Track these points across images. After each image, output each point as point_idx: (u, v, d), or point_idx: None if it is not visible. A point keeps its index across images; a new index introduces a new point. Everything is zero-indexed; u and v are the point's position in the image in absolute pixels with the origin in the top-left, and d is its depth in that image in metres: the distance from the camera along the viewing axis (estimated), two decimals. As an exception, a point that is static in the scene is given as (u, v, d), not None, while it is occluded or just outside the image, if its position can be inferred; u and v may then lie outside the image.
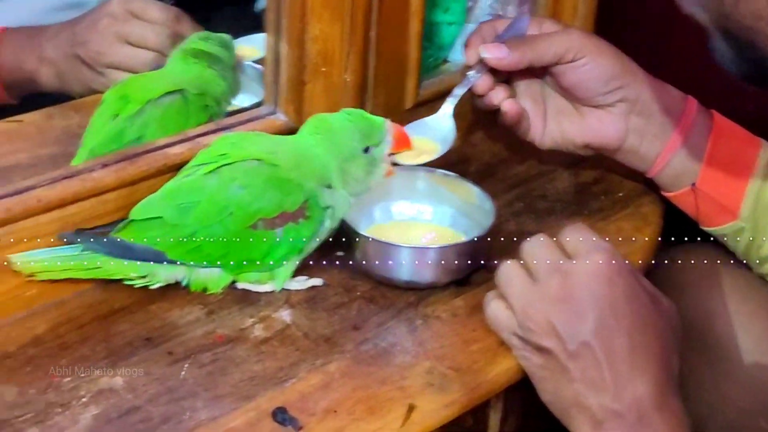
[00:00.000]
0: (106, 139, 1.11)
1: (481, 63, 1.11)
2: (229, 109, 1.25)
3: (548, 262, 0.95)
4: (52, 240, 0.99)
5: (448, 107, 1.12)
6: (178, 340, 0.98)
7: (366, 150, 1.03)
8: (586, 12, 1.34)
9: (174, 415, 0.90)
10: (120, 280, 1.02)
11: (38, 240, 0.99)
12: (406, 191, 1.14)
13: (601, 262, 0.93)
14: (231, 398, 0.92)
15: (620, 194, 1.23)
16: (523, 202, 1.22)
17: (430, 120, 1.12)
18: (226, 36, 1.21)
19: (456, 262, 1.06)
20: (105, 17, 1.31)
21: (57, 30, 1.35)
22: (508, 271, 0.97)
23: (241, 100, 1.29)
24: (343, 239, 1.08)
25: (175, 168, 1.04)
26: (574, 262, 0.94)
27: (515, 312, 0.95)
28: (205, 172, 1.01)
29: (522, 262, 0.97)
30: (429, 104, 1.17)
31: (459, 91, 1.12)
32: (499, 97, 1.13)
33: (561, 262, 0.94)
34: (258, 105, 1.16)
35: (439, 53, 1.30)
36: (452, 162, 1.22)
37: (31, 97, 1.38)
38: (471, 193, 1.12)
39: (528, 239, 0.99)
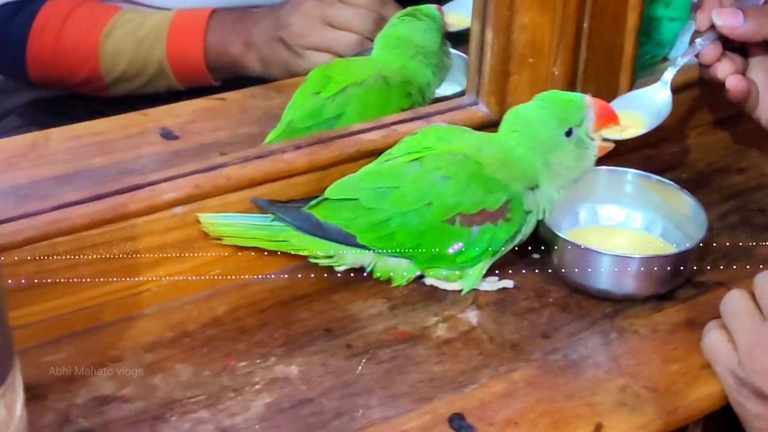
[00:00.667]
0: (306, 114, 1.10)
1: (713, 29, 1.03)
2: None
3: None
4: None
5: (667, 75, 1.04)
6: (357, 333, 0.95)
7: (569, 133, 0.96)
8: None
9: (347, 411, 0.86)
10: (305, 258, 0.99)
11: (226, 218, 0.97)
12: (615, 194, 1.07)
13: None
14: (407, 399, 0.88)
15: None
16: (739, 216, 1.13)
17: (644, 92, 1.05)
18: (431, 11, 1.16)
19: (660, 274, 0.98)
20: (310, 0, 1.29)
21: (262, 15, 1.36)
22: (736, 301, 0.89)
23: (444, 89, 1.25)
24: (541, 241, 1.02)
25: (369, 154, 1.00)
26: None
27: (739, 349, 0.86)
28: (407, 159, 0.96)
29: (753, 294, 0.89)
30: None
31: (682, 59, 1.04)
32: (725, 70, 1.04)
33: None
34: (460, 95, 1.11)
35: (658, 50, 1.22)
36: (664, 167, 1.15)
37: (232, 80, 1.38)
38: (683, 203, 1.04)
39: (764, 272, 0.90)
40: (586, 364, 0.92)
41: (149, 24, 1.39)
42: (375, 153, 1.00)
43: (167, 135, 1.17)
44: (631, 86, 1.13)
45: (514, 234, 0.97)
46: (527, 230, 0.98)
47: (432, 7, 1.16)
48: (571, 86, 1.09)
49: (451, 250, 0.96)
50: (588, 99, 0.97)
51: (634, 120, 1.02)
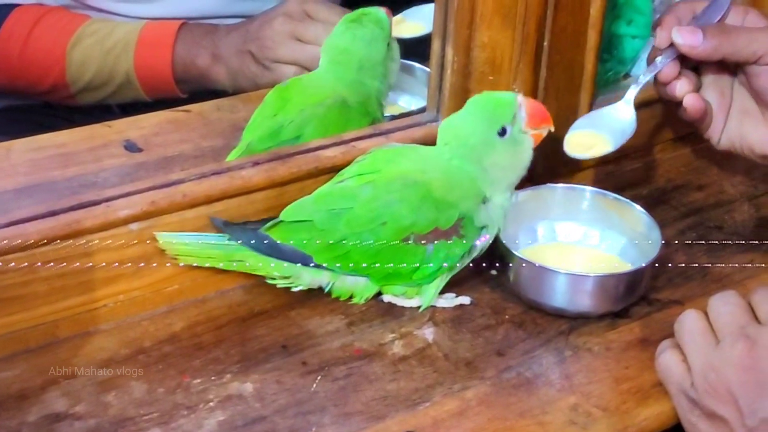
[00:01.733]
0: (264, 135, 1.10)
1: (672, 47, 1.03)
2: (398, 112, 1.21)
3: (736, 323, 0.87)
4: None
5: (629, 94, 1.04)
6: (313, 350, 0.95)
7: (503, 132, 0.96)
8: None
9: (300, 429, 0.87)
10: (262, 278, 0.99)
11: (183, 235, 0.97)
12: (573, 212, 1.08)
13: None
14: (360, 417, 0.88)
15: (805, 231, 1.14)
16: (696, 233, 1.13)
17: (607, 111, 1.05)
18: (378, 16, 1.14)
19: (614, 292, 0.99)
20: (281, 16, 1.31)
21: (232, 28, 1.37)
22: (691, 323, 0.89)
23: (409, 103, 1.25)
24: (498, 258, 1.02)
25: (327, 171, 1.01)
26: (765, 329, 0.86)
27: (693, 370, 0.87)
28: (359, 183, 0.97)
29: (708, 315, 0.90)
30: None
31: (644, 78, 1.04)
32: (683, 89, 1.03)
33: (750, 326, 0.86)
34: (422, 110, 1.12)
35: (620, 67, 1.23)
36: (624, 184, 1.16)
37: (200, 92, 1.38)
38: (639, 220, 1.05)
39: (718, 294, 0.91)
40: (539, 382, 0.93)
41: (117, 34, 1.40)
42: (334, 170, 1.01)
43: (131, 147, 1.18)
44: (592, 103, 1.14)
45: (469, 249, 0.98)
46: (483, 245, 0.99)
47: (380, 11, 1.15)
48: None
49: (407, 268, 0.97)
50: (520, 97, 0.97)
51: (599, 140, 1.03)
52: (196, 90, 1.40)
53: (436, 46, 1.06)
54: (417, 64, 1.22)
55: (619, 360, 0.96)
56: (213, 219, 0.97)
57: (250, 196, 0.99)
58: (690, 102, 1.03)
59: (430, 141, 1.04)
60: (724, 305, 0.89)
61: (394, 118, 1.16)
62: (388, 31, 1.15)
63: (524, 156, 0.98)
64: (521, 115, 0.97)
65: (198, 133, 1.21)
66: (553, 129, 0.99)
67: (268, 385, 0.91)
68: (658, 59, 1.04)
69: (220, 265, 0.97)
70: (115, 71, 1.40)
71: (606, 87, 1.19)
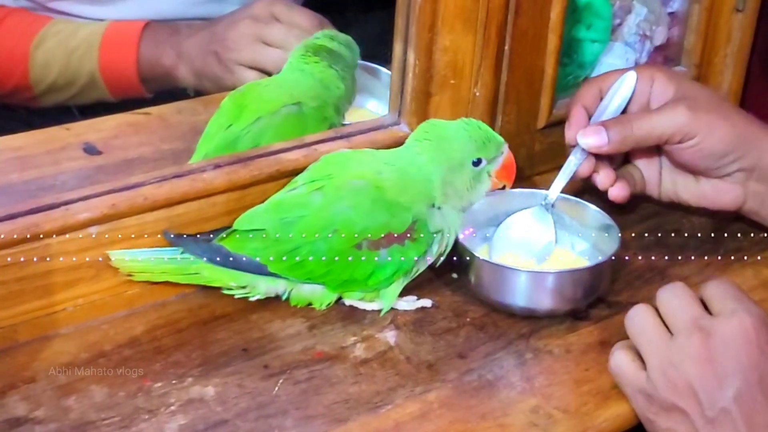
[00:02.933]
0: (220, 146, 1.09)
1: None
2: (367, 117, 1.21)
3: (689, 316, 0.87)
4: (159, 236, 0.97)
5: (550, 196, 1.06)
6: (275, 354, 0.95)
7: (477, 163, 0.99)
8: (741, 38, 1.26)
9: (261, 432, 0.87)
10: (219, 289, 0.99)
11: (145, 236, 0.97)
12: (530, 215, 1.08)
13: (750, 326, 0.85)
14: (322, 420, 0.88)
15: (763, 234, 1.15)
16: (654, 236, 1.14)
17: (525, 224, 1.06)
18: (349, 38, 1.18)
19: (576, 289, 1.00)
20: (247, 18, 1.31)
21: (197, 28, 1.36)
22: (641, 318, 0.90)
23: (375, 108, 1.25)
24: (459, 260, 1.02)
25: (288, 174, 1.01)
26: (718, 321, 0.86)
27: (649, 368, 0.87)
28: (310, 189, 0.97)
29: (658, 310, 0.90)
30: (563, 125, 1.10)
31: (561, 181, 1.06)
32: (604, 183, 1.07)
33: (703, 318, 0.87)
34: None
35: (579, 71, 1.23)
36: (582, 189, 1.16)
37: (165, 92, 1.38)
38: (596, 219, 1.06)
39: (666, 286, 0.91)
40: (500, 384, 0.93)
41: (81, 34, 1.39)
42: (295, 172, 1.01)
43: (90, 150, 1.17)
44: (552, 107, 1.15)
45: (423, 253, 0.98)
46: (440, 249, 0.99)
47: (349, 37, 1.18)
48: (492, 107, 1.10)
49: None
50: (505, 147, 1.01)
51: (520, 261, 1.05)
52: (161, 90, 1.39)
53: (397, 49, 1.06)
54: (384, 69, 1.22)
55: (579, 362, 0.96)
56: (165, 233, 0.97)
57: (211, 199, 0.99)
58: (614, 194, 1.08)
59: (393, 144, 1.05)
60: (674, 298, 0.89)
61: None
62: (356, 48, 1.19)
63: (478, 193, 1.02)
64: (497, 161, 1.01)
65: (158, 136, 1.21)
66: (509, 187, 1.03)
67: (229, 389, 0.90)
68: (571, 159, 1.06)
69: (176, 280, 0.97)
70: (79, 71, 1.39)
71: (566, 91, 1.19)
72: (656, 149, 1.09)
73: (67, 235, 0.93)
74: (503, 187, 1.03)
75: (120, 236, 0.95)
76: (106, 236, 0.95)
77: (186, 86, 1.36)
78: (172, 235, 0.96)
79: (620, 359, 0.90)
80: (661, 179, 1.11)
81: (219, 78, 1.31)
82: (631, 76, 1.07)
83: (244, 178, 1.00)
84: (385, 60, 1.21)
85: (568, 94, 1.19)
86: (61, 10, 1.43)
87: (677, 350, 0.86)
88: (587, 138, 1.04)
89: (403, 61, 1.05)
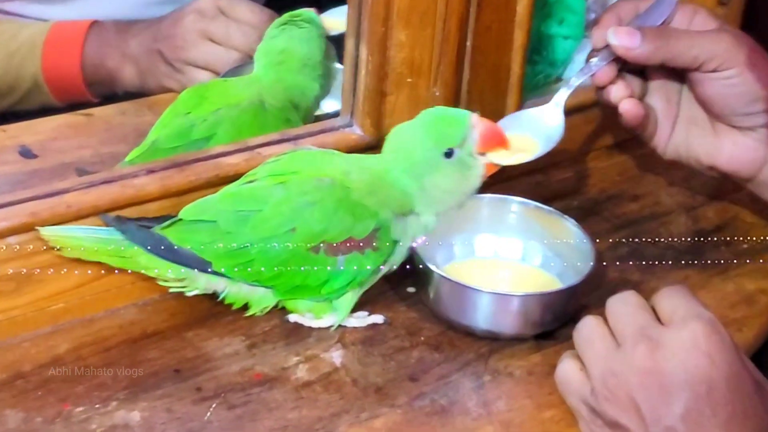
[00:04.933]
0: (172, 133, 1.03)
1: (608, 48, 0.96)
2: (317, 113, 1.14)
3: (637, 325, 0.80)
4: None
5: (559, 97, 0.97)
6: (209, 375, 0.87)
7: (449, 154, 0.88)
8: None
9: (188, 463, 0.79)
10: (158, 290, 0.92)
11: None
12: (494, 223, 1.01)
13: (700, 334, 0.77)
14: (256, 450, 0.80)
15: (744, 246, 1.07)
16: (630, 247, 1.06)
17: (535, 112, 0.97)
18: (310, 16, 1.11)
19: (544, 314, 0.92)
20: (192, 13, 1.24)
21: (143, 26, 1.29)
22: (589, 329, 0.83)
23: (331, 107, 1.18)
24: (416, 274, 0.95)
25: (228, 180, 0.93)
26: (667, 330, 0.79)
27: (591, 377, 0.80)
28: (272, 183, 0.89)
29: (607, 320, 0.83)
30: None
31: (576, 80, 0.97)
32: (619, 94, 0.97)
33: (652, 327, 0.80)
34: (335, 115, 1.04)
35: (551, 70, 1.16)
36: (553, 194, 1.09)
37: (114, 98, 1.30)
38: (568, 232, 0.98)
39: (616, 295, 0.84)
40: (454, 410, 0.85)
41: (23, 36, 1.31)
42: (236, 178, 0.92)
43: (26, 153, 1.10)
44: (520, 108, 1.07)
45: (382, 263, 0.90)
46: (396, 260, 0.92)
47: (310, 11, 1.11)
48: (453, 107, 1.02)
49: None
50: (474, 118, 0.89)
51: (524, 143, 0.95)
52: (108, 94, 1.32)
53: (349, 45, 0.98)
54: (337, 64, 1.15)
55: (542, 385, 0.88)
56: (103, 216, 0.89)
57: (144, 207, 0.91)
58: (626, 108, 0.97)
59: (344, 148, 0.97)
60: (623, 306, 0.82)
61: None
62: (322, 29, 1.11)
63: (470, 182, 0.90)
64: (473, 138, 0.89)
65: (98, 139, 1.14)
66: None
67: (157, 414, 0.83)
68: (593, 60, 0.97)
69: (108, 261, 0.89)
70: (21, 75, 1.31)
71: (536, 91, 1.12)
72: (677, 92, 1.00)
73: (-18, 246, 0.85)
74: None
75: (42, 246, 0.87)
76: (30, 247, 0.87)
77: (132, 89, 1.28)
78: (111, 217, 0.89)
79: (566, 367, 0.83)
80: (674, 126, 1.00)
81: (165, 78, 1.24)
82: (671, 1, 0.97)
83: (179, 184, 0.92)
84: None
85: (537, 94, 1.11)
86: (6, 10, 1.36)
87: (621, 359, 0.79)
88: (619, 36, 0.94)
89: (355, 58, 0.98)
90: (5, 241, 0.86)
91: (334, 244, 0.88)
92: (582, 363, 0.82)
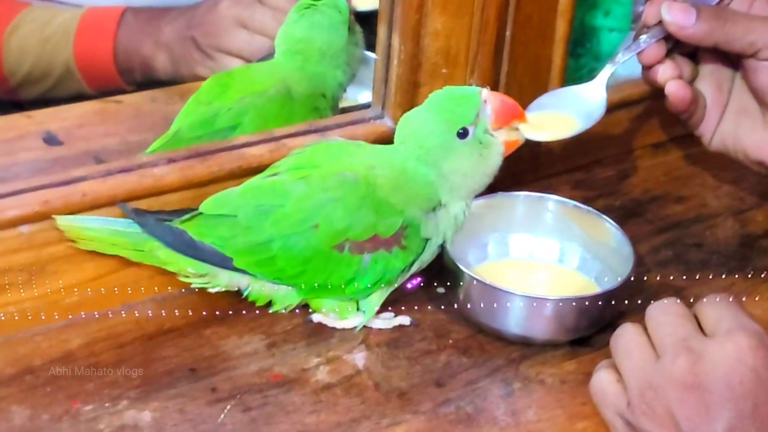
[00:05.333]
0: (196, 122, 1.00)
1: (660, 26, 0.90)
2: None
3: (678, 335, 0.75)
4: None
5: (603, 75, 0.91)
6: (226, 375, 0.83)
7: (463, 134, 0.84)
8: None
9: (198, 468, 0.75)
10: (177, 285, 0.88)
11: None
12: (529, 223, 0.97)
13: (745, 347, 0.73)
14: (270, 455, 0.77)
15: (796, 252, 1.02)
16: (673, 251, 1.01)
17: (576, 89, 0.92)
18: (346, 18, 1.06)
19: (579, 319, 0.87)
20: (226, 0, 1.19)
21: (177, 13, 1.27)
22: (627, 337, 0.78)
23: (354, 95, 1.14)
24: (446, 274, 0.90)
25: (252, 171, 0.89)
26: (711, 342, 0.74)
27: (628, 389, 0.76)
28: (294, 177, 0.85)
29: (646, 328, 0.78)
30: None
31: (623, 56, 0.91)
32: (665, 74, 0.90)
33: (694, 339, 0.75)
34: (366, 106, 1.00)
35: (595, 63, 1.12)
36: (595, 194, 1.04)
37: (148, 86, 1.27)
38: (607, 233, 0.93)
39: (657, 302, 0.79)
40: (481, 418, 0.81)
41: (57, 22, 1.29)
42: (260, 169, 0.89)
43: (50, 140, 1.07)
44: (560, 103, 1.03)
45: (411, 263, 0.86)
46: (426, 258, 0.87)
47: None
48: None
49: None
50: (485, 93, 0.84)
51: (562, 121, 0.90)
52: (142, 81, 1.29)
53: (381, 33, 0.94)
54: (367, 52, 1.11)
55: (575, 395, 0.84)
56: (122, 205, 0.85)
57: (162, 198, 0.87)
58: (672, 89, 0.90)
59: (374, 140, 0.93)
60: (665, 315, 0.78)
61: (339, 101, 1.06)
62: (347, 15, 1.06)
63: (490, 162, 0.85)
64: (486, 114, 0.84)
65: (126, 126, 1.10)
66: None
67: (168, 415, 0.79)
68: (642, 38, 0.90)
69: (126, 255, 0.86)
70: (54, 62, 1.29)
71: (579, 84, 1.07)
72: (729, 80, 0.94)
73: (-7, 234, 0.82)
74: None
75: (56, 237, 0.84)
76: (41, 236, 0.84)
77: (164, 76, 1.25)
78: (131, 209, 0.85)
79: (602, 378, 0.78)
80: (723, 115, 0.94)
81: (198, 65, 1.21)
82: None
83: (200, 174, 0.88)
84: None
85: (581, 89, 1.07)
86: None
87: (660, 372, 0.74)
88: (673, 12, 0.88)
89: (387, 46, 0.93)
90: (17, 230, 0.83)
91: (359, 242, 0.84)
92: (619, 374, 0.78)
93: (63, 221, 0.84)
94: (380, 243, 0.84)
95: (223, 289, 0.88)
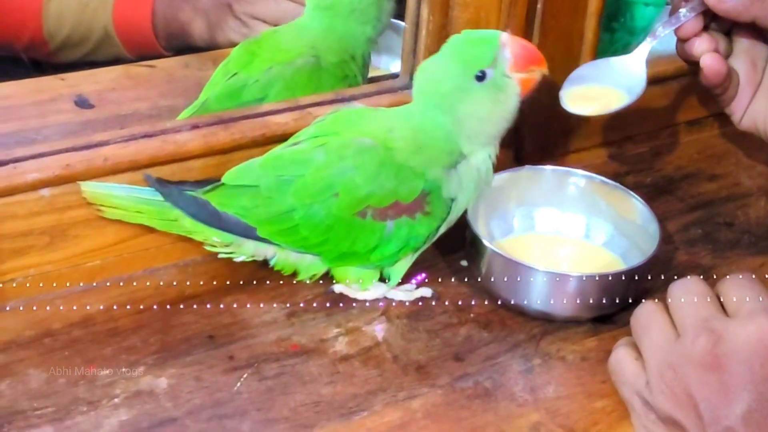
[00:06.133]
0: (223, 94, 0.99)
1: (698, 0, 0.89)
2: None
3: (699, 315, 0.74)
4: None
5: (643, 49, 0.90)
6: (244, 343, 0.83)
7: (481, 77, 0.82)
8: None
9: (212, 435, 0.75)
10: (200, 250, 0.88)
11: (108, 204, 0.86)
12: (556, 197, 0.95)
13: (767, 329, 0.71)
14: (284, 425, 0.76)
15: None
16: (702, 230, 1.00)
17: (615, 61, 0.90)
18: None
19: (602, 296, 0.86)
20: None
21: None
22: (647, 316, 0.77)
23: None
24: (469, 247, 0.89)
25: (276, 140, 0.88)
26: (732, 323, 0.73)
27: (647, 368, 0.75)
28: (313, 146, 0.85)
29: (667, 307, 0.77)
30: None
31: (662, 30, 0.89)
32: (701, 47, 0.89)
33: (715, 319, 0.74)
34: (395, 75, 0.99)
35: (630, 38, 1.10)
36: (626, 170, 1.03)
37: (186, 51, 1.27)
38: (634, 210, 0.92)
39: (679, 281, 0.78)
40: (499, 394, 0.80)
41: None
42: (284, 138, 0.88)
43: (82, 103, 1.07)
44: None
45: (436, 228, 0.85)
46: (452, 218, 0.86)
47: None
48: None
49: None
50: (504, 36, 0.82)
51: (607, 94, 0.88)
52: (180, 47, 1.29)
53: (411, 3, 0.93)
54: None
55: (595, 372, 0.83)
56: (147, 176, 0.85)
57: (186, 164, 0.87)
58: (708, 62, 0.89)
59: (401, 111, 0.92)
60: (686, 293, 0.76)
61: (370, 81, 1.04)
62: None
63: (507, 105, 0.83)
64: (505, 57, 0.82)
65: (158, 91, 1.10)
66: (546, 72, 0.84)
67: (184, 382, 0.79)
68: (682, 11, 0.89)
69: (151, 224, 0.86)
70: (93, 26, 1.29)
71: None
72: (764, 59, 0.92)
73: (14, 197, 0.82)
74: (542, 78, 0.84)
75: (77, 201, 0.84)
76: (62, 200, 0.84)
77: (201, 42, 1.25)
78: (154, 179, 0.85)
79: (621, 356, 0.78)
80: (755, 95, 0.92)
81: (233, 32, 1.20)
82: None
83: (223, 141, 0.88)
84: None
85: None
86: None
87: (680, 352, 0.73)
88: None
89: (416, 16, 0.92)
90: (38, 193, 0.82)
91: (381, 209, 0.83)
92: (638, 352, 0.77)
93: (88, 187, 0.84)
94: (402, 209, 0.83)
95: (249, 259, 0.88)
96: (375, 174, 0.83)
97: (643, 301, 0.79)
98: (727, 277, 0.78)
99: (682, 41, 0.90)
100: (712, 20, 0.90)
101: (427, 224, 0.84)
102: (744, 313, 0.73)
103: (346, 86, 1.00)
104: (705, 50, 0.89)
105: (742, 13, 0.87)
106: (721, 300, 0.76)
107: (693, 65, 0.90)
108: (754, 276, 0.78)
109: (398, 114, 0.86)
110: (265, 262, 0.88)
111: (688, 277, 0.79)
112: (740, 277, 0.77)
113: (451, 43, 0.84)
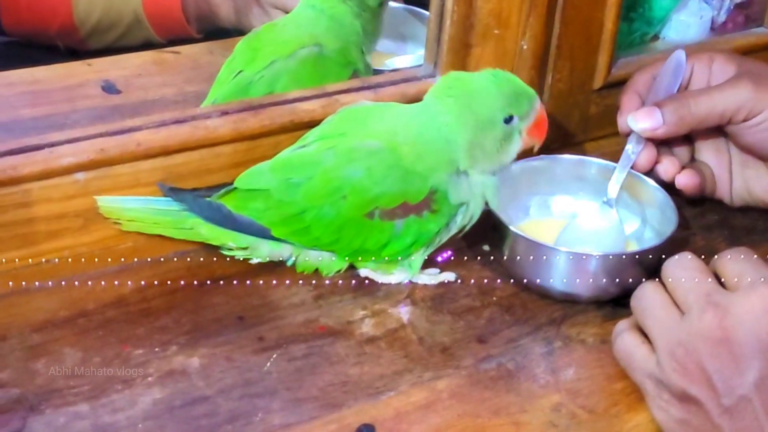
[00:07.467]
0: (230, 92, 1.01)
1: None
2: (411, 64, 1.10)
3: (701, 291, 0.76)
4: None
5: (610, 194, 0.94)
6: (273, 324, 0.85)
7: (508, 121, 0.86)
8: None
9: (244, 413, 0.77)
10: (217, 248, 0.90)
11: (139, 187, 0.88)
12: (570, 185, 0.97)
13: None
14: (313, 404, 0.78)
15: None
16: (718, 215, 1.02)
17: (585, 223, 0.94)
18: None
19: (622, 276, 0.88)
20: None
21: None
22: (649, 296, 0.79)
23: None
24: (492, 232, 0.91)
25: (303, 126, 0.90)
26: (735, 295, 0.75)
27: (657, 349, 0.77)
28: (321, 149, 0.87)
29: (665, 286, 0.79)
30: (622, 85, 0.99)
31: (620, 174, 0.94)
32: (669, 172, 0.95)
33: (718, 293, 0.76)
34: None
35: (648, 28, 1.11)
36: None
37: (217, 34, 1.29)
38: (650, 196, 0.94)
39: (672, 258, 0.80)
40: (521, 375, 0.82)
41: None
42: (311, 124, 0.90)
43: (109, 88, 1.09)
44: (611, 66, 1.03)
45: (446, 225, 0.88)
46: (464, 221, 0.89)
47: None
48: (542, 62, 0.99)
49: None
50: (537, 101, 0.88)
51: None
52: (210, 29, 1.30)
53: (435, -9, 0.95)
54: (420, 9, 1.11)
55: (614, 355, 0.85)
56: (160, 184, 0.87)
57: (215, 149, 0.89)
58: (682, 183, 0.96)
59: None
60: (683, 270, 0.78)
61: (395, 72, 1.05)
62: None
63: (508, 153, 0.88)
64: (530, 118, 0.88)
65: (184, 77, 1.12)
66: (538, 147, 0.90)
67: (216, 361, 0.81)
68: (628, 148, 0.95)
69: (169, 234, 0.88)
70: (123, 10, 1.31)
71: (630, 49, 1.07)
72: (724, 141, 0.98)
73: (50, 181, 0.84)
74: (532, 149, 0.90)
75: (110, 185, 0.86)
76: (96, 184, 0.86)
77: (229, 25, 1.27)
78: (168, 188, 0.87)
79: (627, 341, 0.80)
80: (731, 176, 0.99)
81: (255, 19, 1.22)
82: (680, 53, 0.96)
83: (253, 127, 0.90)
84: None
85: (632, 53, 1.07)
86: None
87: (688, 329, 0.75)
88: (639, 121, 0.93)
89: (440, 6, 0.94)
90: (72, 177, 0.85)
91: (389, 210, 0.86)
92: (641, 335, 0.79)
93: (104, 203, 0.86)
94: (410, 209, 0.86)
95: (265, 261, 0.90)
96: (382, 177, 0.85)
97: (644, 283, 0.81)
98: (722, 252, 0.79)
99: (646, 173, 0.95)
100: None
101: (435, 221, 0.87)
102: (745, 286, 0.75)
103: (349, 74, 1.02)
104: (673, 174, 0.95)
105: (677, 130, 0.94)
106: (719, 275, 0.78)
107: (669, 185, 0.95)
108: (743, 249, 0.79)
109: (405, 114, 0.88)
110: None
111: (681, 253, 0.80)
112: (735, 251, 0.79)
113: (499, 75, 0.87)
